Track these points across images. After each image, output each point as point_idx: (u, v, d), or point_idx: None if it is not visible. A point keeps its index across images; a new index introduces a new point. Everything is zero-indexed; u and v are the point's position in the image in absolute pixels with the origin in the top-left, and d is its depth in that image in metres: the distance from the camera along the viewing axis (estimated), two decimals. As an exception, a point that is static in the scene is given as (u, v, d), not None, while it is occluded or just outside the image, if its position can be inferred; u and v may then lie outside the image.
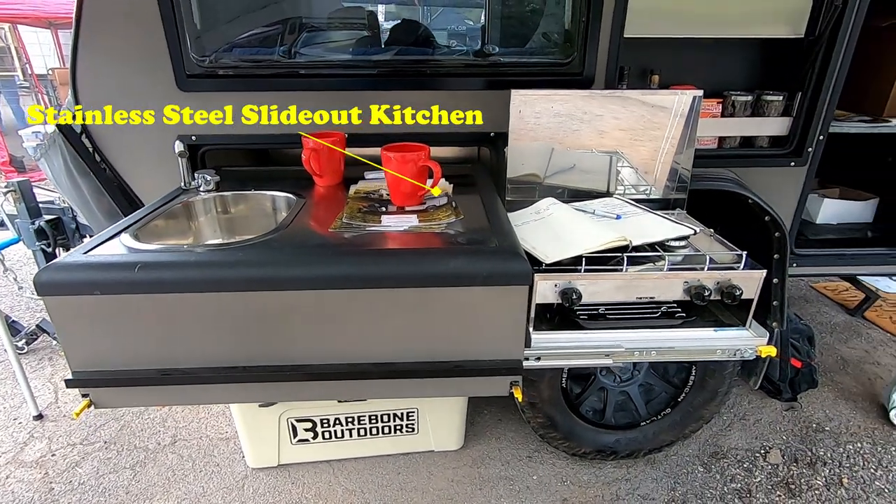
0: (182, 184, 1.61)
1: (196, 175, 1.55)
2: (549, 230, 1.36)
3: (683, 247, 1.36)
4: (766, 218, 1.91)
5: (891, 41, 2.17)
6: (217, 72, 1.67)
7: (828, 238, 2.33)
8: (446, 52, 1.91)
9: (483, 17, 1.95)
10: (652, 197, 1.76)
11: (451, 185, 1.58)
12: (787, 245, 1.96)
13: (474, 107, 1.77)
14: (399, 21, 2.12)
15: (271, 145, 1.75)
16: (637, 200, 1.73)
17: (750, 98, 1.92)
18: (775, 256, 2.01)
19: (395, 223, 1.26)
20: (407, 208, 1.37)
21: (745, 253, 1.28)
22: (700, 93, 1.54)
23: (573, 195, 1.74)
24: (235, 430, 2.13)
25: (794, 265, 2.14)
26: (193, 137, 1.70)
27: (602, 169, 1.76)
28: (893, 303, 3.87)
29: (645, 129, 1.69)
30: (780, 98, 1.92)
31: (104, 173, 1.74)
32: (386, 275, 1.07)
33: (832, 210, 2.42)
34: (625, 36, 1.74)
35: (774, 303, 2.08)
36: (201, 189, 1.55)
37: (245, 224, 1.59)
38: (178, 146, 1.54)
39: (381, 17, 2.06)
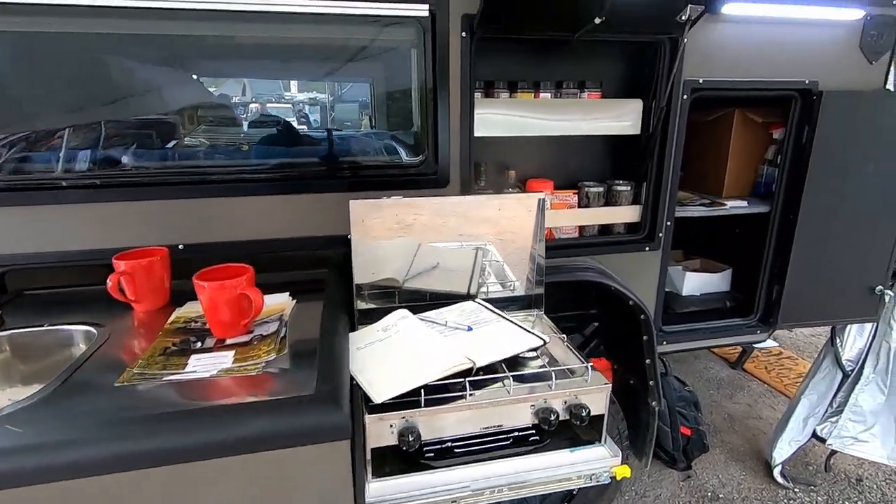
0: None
1: (-31, 311, 1.27)
2: (390, 354, 1.24)
3: (535, 357, 1.29)
4: (630, 303, 1.95)
5: (717, 132, 2.42)
6: (14, 182, 1.44)
7: (694, 311, 2.45)
8: (295, 154, 1.82)
9: (328, 118, 1.91)
10: (516, 294, 1.72)
11: (294, 301, 1.44)
12: (652, 327, 2.00)
13: (326, 210, 1.68)
14: (243, 120, 2.03)
15: (81, 262, 1.52)
16: (500, 299, 1.69)
17: (602, 189, 2.00)
18: (644, 338, 2.04)
19: (203, 366, 1.08)
20: (228, 341, 1.20)
21: (589, 365, 1.24)
22: (543, 195, 1.56)
23: (434, 298, 1.66)
24: None
25: (664, 343, 2.19)
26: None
27: (464, 267, 1.71)
28: (767, 353, 4.18)
29: (500, 229, 1.68)
30: (629, 188, 2.02)
31: None
32: (169, 448, 0.88)
33: (694, 283, 2.56)
34: (475, 135, 1.76)
35: (651, 382, 2.10)
36: (-25, 328, 1.27)
37: (36, 370, 1.31)
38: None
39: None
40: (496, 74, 1.84)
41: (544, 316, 1.59)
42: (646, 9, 1.59)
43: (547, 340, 1.30)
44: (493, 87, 1.80)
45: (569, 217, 1.98)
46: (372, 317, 1.56)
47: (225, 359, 1.12)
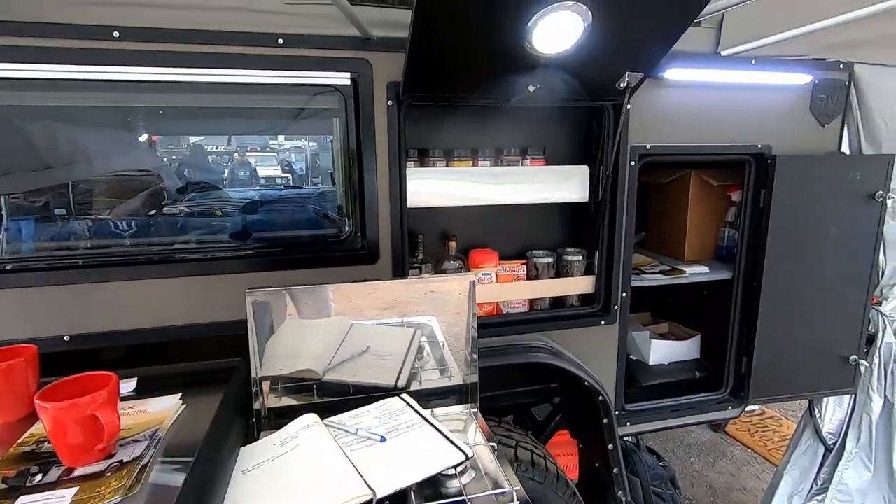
0: None
1: None
2: (276, 482, 1.04)
3: (454, 475, 1.10)
4: (586, 383, 1.78)
5: (675, 194, 2.33)
6: None
7: (661, 383, 2.27)
8: (204, 230, 1.66)
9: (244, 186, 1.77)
10: (453, 383, 1.54)
11: (182, 406, 1.23)
12: (611, 409, 1.82)
13: (240, 290, 1.50)
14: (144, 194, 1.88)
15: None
16: (436, 391, 1.50)
17: (551, 259, 1.86)
18: (604, 421, 1.85)
19: (30, 513, 0.87)
20: (78, 471, 0.99)
21: (515, 490, 1.04)
22: (473, 277, 1.40)
23: (359, 392, 1.47)
24: None
25: (627, 423, 2.00)
26: None
27: (398, 351, 1.53)
28: (749, 414, 3.98)
29: (442, 306, 1.52)
30: (580, 257, 1.88)
31: None
32: None
33: (662, 351, 2.40)
34: (409, 207, 1.63)
35: (615, 470, 1.89)
36: None
37: None
38: None
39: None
40: (433, 142, 1.73)
41: (479, 414, 1.40)
42: (582, 77, 1.50)
43: (470, 455, 1.11)
44: (429, 155, 1.68)
45: (517, 290, 1.83)
46: (287, 416, 1.36)
47: (63, 499, 0.90)
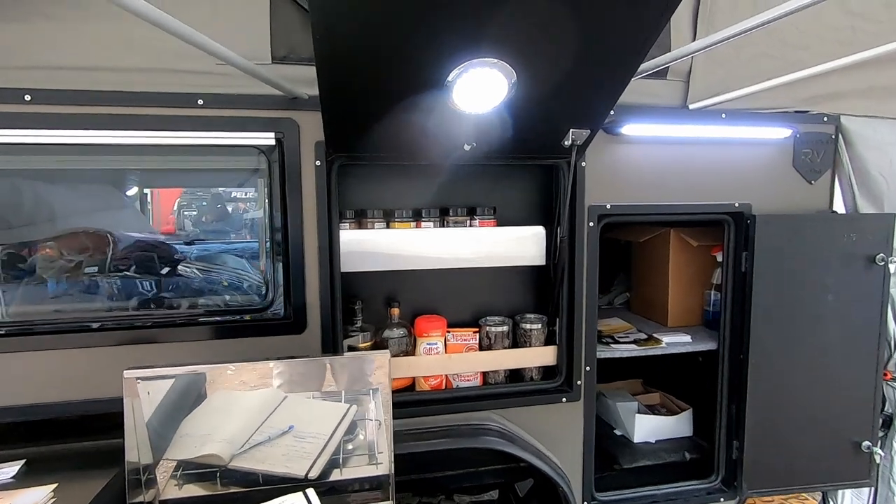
0: None
1: None
2: None
3: None
4: (543, 472, 1.56)
5: (656, 253, 2.15)
6: None
7: (646, 465, 2.02)
8: (107, 296, 1.57)
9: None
10: (379, 473, 1.36)
11: (52, 500, 1.10)
12: (573, 501, 1.59)
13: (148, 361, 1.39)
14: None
15: None
16: (357, 482, 1.33)
17: (506, 328, 1.70)
18: (566, 519, 1.62)
19: None
20: None
21: None
22: (386, 354, 1.26)
23: (267, 482, 1.31)
24: None
25: (599, 517, 1.75)
26: None
27: (325, 432, 1.37)
28: (766, 501, 3.57)
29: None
30: (540, 325, 1.71)
31: None
32: None
33: (648, 427, 2.15)
34: (343, 271, 1.51)
35: (583, 573, 1.64)
36: None
37: None
38: None
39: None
40: (375, 202, 1.63)
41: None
42: (522, 135, 1.40)
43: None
44: (366, 216, 1.58)
45: (467, 362, 1.66)
46: (180, 509, 1.20)
47: None
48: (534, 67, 1.16)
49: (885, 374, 1.94)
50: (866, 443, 1.81)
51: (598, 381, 2.45)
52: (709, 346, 1.90)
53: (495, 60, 1.15)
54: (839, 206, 1.88)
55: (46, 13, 1.28)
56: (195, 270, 1.72)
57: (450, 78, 1.17)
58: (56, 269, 1.65)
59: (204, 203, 2.33)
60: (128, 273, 1.65)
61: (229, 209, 2.34)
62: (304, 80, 1.40)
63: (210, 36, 1.05)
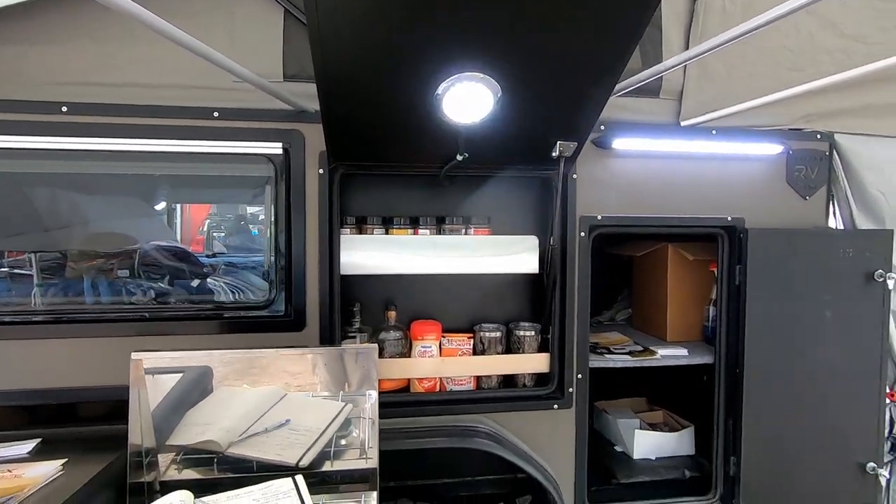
0: None
1: None
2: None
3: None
4: (532, 476, 1.58)
5: (654, 268, 2.18)
6: None
7: (641, 481, 2.00)
8: (111, 291, 1.69)
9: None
10: (368, 466, 1.41)
11: (59, 473, 1.18)
12: (562, 510, 1.60)
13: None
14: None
15: None
16: (348, 473, 1.38)
17: (499, 334, 1.75)
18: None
19: None
20: None
21: None
22: (374, 347, 1.32)
23: (261, 469, 1.37)
24: None
25: (592, 530, 1.74)
26: None
27: (318, 427, 1.44)
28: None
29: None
30: (533, 332, 1.76)
31: None
32: None
33: (648, 443, 2.13)
34: (343, 274, 1.60)
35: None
36: None
37: None
38: None
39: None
40: (375, 210, 1.72)
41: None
42: (511, 146, 1.48)
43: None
44: (366, 222, 1.67)
45: (460, 366, 1.71)
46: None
47: None
48: (517, 82, 1.24)
49: (891, 395, 1.91)
50: (871, 464, 1.77)
51: (601, 398, 2.48)
52: (705, 359, 1.90)
53: (481, 75, 1.24)
54: (836, 223, 1.88)
55: (93, 36, 1.44)
56: (215, 280, 1.83)
57: (439, 91, 1.26)
58: (85, 270, 1.79)
59: (229, 221, 2.49)
60: (152, 276, 1.78)
61: (250, 227, 2.49)
62: (311, 95, 1.52)
63: (228, 56, 1.18)
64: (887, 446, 1.87)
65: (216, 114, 1.49)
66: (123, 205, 1.90)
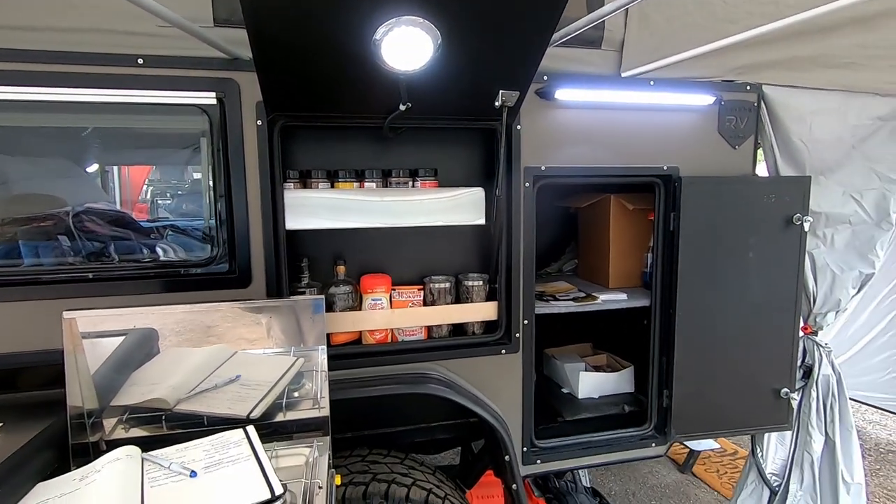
0: None
1: None
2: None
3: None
4: (481, 417, 1.66)
5: (598, 219, 2.26)
6: None
7: (587, 418, 2.14)
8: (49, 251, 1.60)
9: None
10: (322, 415, 1.44)
11: None
12: (510, 445, 1.70)
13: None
14: None
15: None
16: (304, 421, 1.41)
17: (448, 285, 1.79)
18: (505, 458, 1.73)
19: None
20: None
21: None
22: (321, 298, 1.33)
23: (212, 423, 1.38)
24: None
25: (538, 461, 1.87)
26: None
27: (265, 382, 1.45)
28: (721, 453, 3.77)
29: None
30: (481, 282, 1.81)
31: None
32: None
33: (591, 384, 2.27)
34: (288, 229, 1.58)
35: (522, 513, 1.75)
36: None
37: None
38: None
39: None
40: (320, 163, 1.69)
41: (326, 450, 1.30)
42: (453, 95, 1.47)
43: (278, 493, 1.01)
44: (311, 176, 1.64)
45: (410, 317, 1.75)
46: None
47: None
48: (456, 27, 1.23)
49: (805, 328, 2.10)
50: (785, 389, 1.96)
51: (551, 346, 2.60)
52: (643, 302, 2.02)
53: (420, 19, 1.22)
54: (763, 171, 2.01)
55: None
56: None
57: (377, 36, 1.23)
58: (18, 234, 1.68)
59: (170, 186, 2.35)
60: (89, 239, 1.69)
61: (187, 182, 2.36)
62: (245, 42, 1.44)
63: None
64: (799, 374, 2.07)
65: (140, 60, 1.40)
66: (47, 165, 1.77)
